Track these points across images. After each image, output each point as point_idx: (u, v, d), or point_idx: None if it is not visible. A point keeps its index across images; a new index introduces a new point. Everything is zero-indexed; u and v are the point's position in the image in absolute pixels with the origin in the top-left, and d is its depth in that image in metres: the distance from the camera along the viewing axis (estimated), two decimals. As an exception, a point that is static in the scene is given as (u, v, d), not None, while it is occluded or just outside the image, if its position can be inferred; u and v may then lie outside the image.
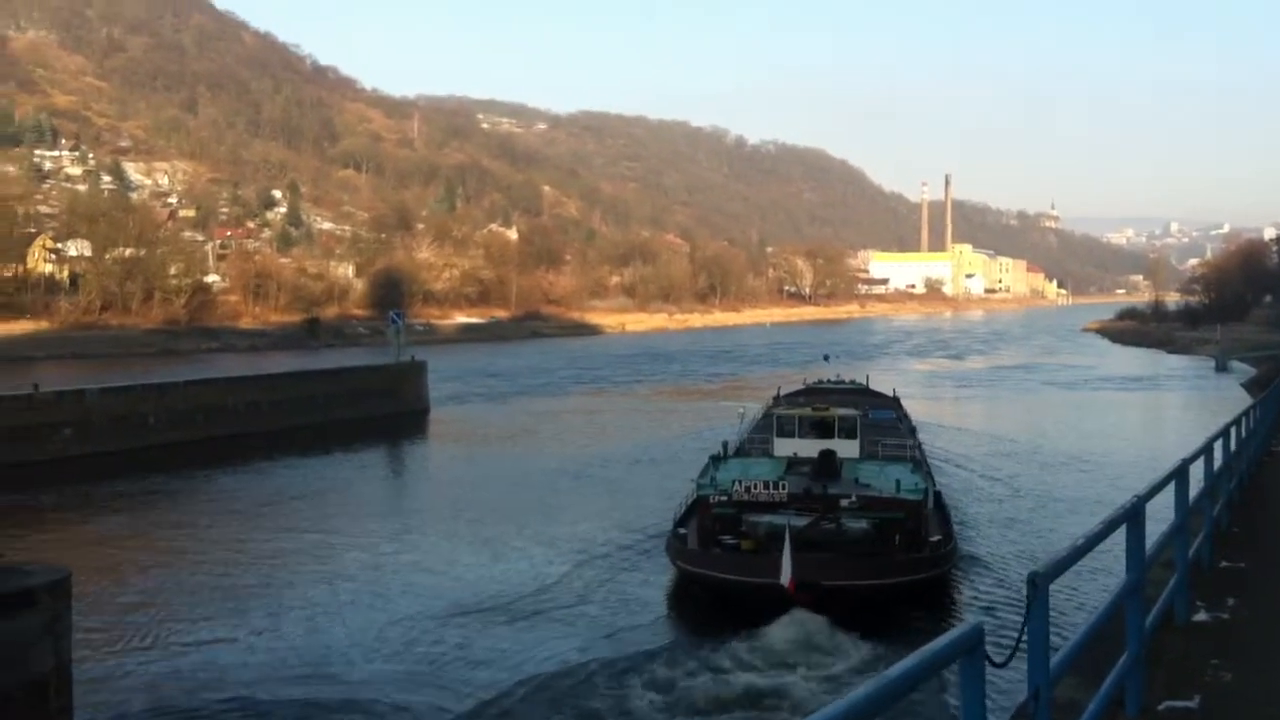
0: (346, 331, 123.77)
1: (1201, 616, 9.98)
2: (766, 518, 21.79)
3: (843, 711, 3.20)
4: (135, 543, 27.84)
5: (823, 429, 28.30)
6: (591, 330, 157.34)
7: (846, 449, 27.40)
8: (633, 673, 17.54)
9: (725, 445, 30.22)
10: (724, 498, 22.83)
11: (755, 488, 22.68)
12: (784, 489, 22.69)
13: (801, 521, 21.20)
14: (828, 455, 26.07)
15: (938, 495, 26.27)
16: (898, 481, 23.87)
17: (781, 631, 18.59)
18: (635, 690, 16.97)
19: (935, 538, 22.79)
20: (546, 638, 20.05)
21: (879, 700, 3.39)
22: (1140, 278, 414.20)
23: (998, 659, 4.49)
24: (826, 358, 55.57)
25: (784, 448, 27.97)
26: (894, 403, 42.74)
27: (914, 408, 38.89)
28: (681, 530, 23.60)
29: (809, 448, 27.12)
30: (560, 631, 20.46)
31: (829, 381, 48.60)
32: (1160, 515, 9.36)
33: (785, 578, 18.93)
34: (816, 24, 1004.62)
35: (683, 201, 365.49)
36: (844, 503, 22.48)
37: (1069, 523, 28.77)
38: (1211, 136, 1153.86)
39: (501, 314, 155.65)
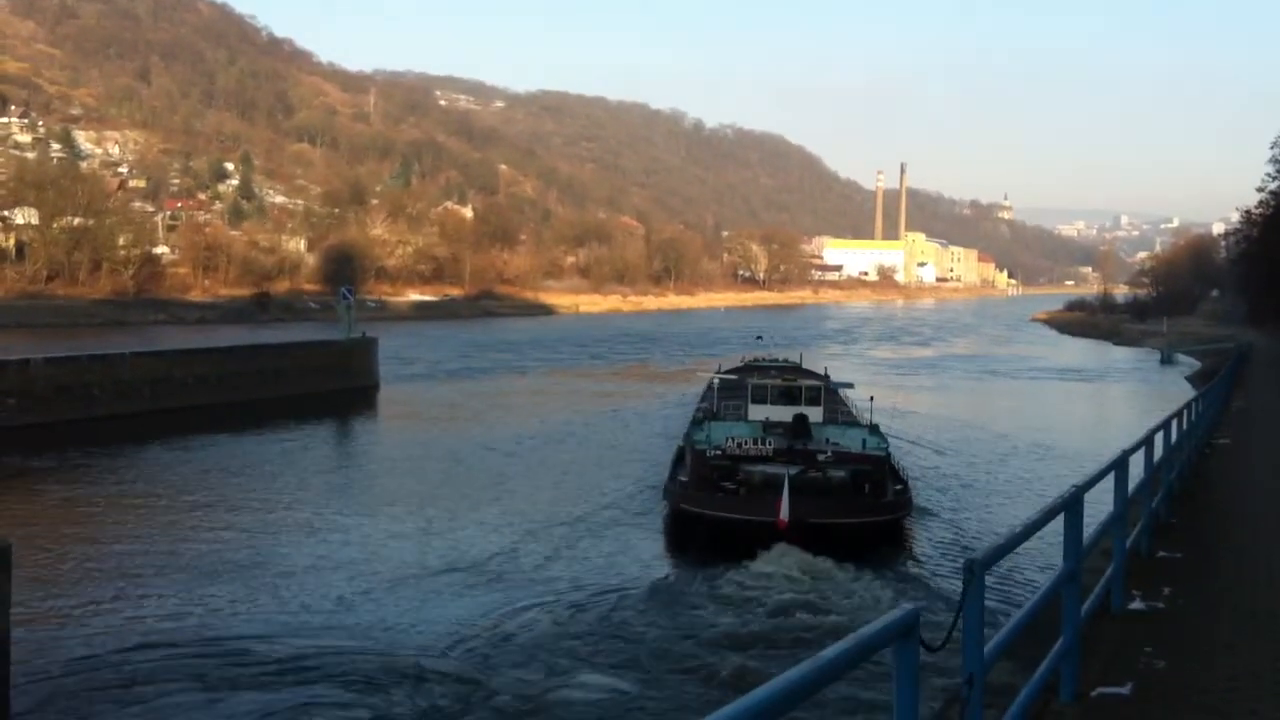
0: (297, 306, 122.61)
1: (1137, 605, 10.12)
2: (760, 467, 25.41)
3: (777, 692, 3.22)
4: (78, 515, 27.50)
5: (791, 397, 31.18)
6: (545, 310, 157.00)
7: (813, 414, 30.22)
8: (630, 605, 19.63)
9: (703, 410, 35.37)
10: (719, 451, 26.32)
11: (746, 444, 26.52)
12: (769, 445, 26.49)
13: (793, 470, 24.29)
14: (801, 418, 28.97)
15: (890, 454, 29.10)
16: (863, 440, 27.85)
17: (776, 562, 21.49)
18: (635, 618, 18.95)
19: (897, 487, 26.69)
20: (515, 596, 20.51)
21: (811, 682, 3.41)
22: (1090, 270, 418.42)
23: (932, 644, 4.51)
24: (759, 338, 58.28)
25: (758, 413, 30.74)
26: (825, 379, 44.04)
27: (862, 391, 39.78)
28: (682, 478, 27.19)
29: (780, 413, 29.93)
30: (531, 587, 21.18)
31: (766, 360, 50.16)
32: (1102, 505, 9.52)
33: (785, 515, 21.94)
34: (778, 9, 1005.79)
35: (640, 184, 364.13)
36: (821, 457, 26.01)
37: (1009, 496, 31.60)
38: (1163, 131, 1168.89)
39: (455, 292, 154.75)
